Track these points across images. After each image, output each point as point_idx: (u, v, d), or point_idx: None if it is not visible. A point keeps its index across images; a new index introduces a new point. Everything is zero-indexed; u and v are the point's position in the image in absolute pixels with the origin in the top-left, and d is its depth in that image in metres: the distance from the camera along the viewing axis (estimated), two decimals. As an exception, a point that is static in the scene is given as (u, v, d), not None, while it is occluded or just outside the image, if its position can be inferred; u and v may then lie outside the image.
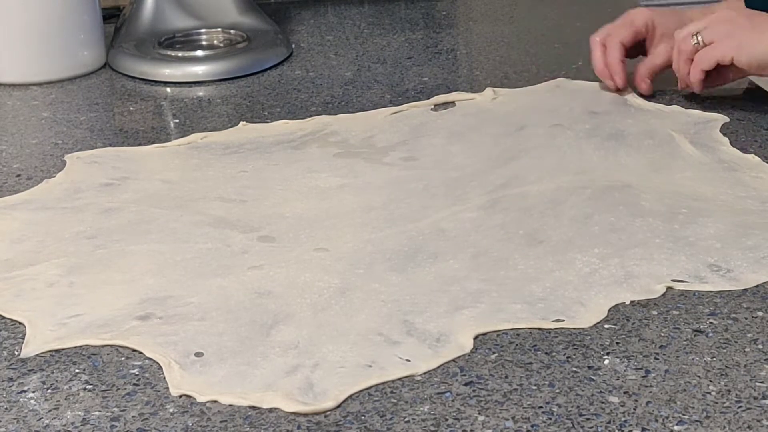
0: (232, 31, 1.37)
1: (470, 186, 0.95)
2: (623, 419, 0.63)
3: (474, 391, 0.66)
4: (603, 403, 0.65)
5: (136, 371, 0.70)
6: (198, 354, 0.71)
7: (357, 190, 0.95)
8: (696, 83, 1.08)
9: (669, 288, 0.77)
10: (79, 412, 0.66)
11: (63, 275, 0.82)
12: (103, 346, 0.73)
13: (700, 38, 1.05)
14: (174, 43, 1.35)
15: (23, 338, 0.74)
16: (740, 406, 0.64)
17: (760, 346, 0.70)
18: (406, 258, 0.82)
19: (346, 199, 0.93)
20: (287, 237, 0.87)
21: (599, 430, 0.62)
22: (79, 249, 0.86)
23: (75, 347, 0.73)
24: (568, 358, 0.69)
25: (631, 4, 1.53)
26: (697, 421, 0.63)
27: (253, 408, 0.66)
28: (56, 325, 0.75)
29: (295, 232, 0.88)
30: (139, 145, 1.08)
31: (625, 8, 1.51)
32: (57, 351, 0.73)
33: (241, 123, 1.12)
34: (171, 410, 0.66)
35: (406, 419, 0.64)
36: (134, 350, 0.72)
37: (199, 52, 1.32)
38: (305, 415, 0.65)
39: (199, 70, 1.27)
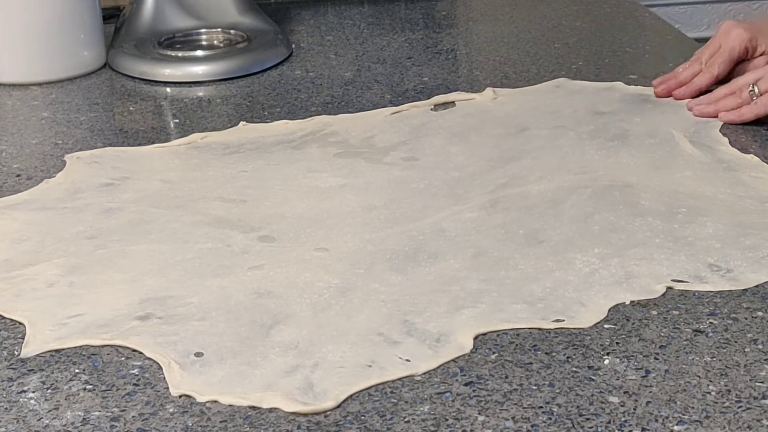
0: (232, 31, 1.37)
1: (471, 186, 0.95)
2: (623, 419, 0.63)
3: (474, 391, 0.66)
4: (603, 403, 0.65)
5: (136, 371, 0.70)
6: (198, 354, 0.71)
7: (357, 189, 0.95)
8: (743, 119, 1.06)
9: (669, 288, 0.77)
10: (79, 412, 0.66)
11: (63, 275, 0.82)
12: (103, 346, 0.73)
13: (756, 89, 1.05)
14: (174, 43, 1.35)
15: (23, 338, 0.74)
16: (740, 406, 0.64)
17: (760, 346, 0.70)
18: (406, 258, 0.82)
19: (346, 199, 0.93)
20: (287, 237, 0.87)
21: (599, 430, 0.62)
22: (79, 249, 0.86)
23: (75, 347, 0.73)
24: (568, 358, 0.69)
25: (630, 5, 1.53)
26: (697, 421, 0.63)
27: (253, 408, 0.66)
28: (56, 325, 0.75)
29: (296, 232, 0.87)
30: (139, 145, 1.08)
31: (625, 8, 1.52)
32: (57, 351, 0.73)
33: (241, 123, 1.12)
34: (171, 410, 0.66)
35: (406, 419, 0.64)
36: (134, 350, 0.72)
37: (199, 52, 1.32)
38: (305, 415, 0.65)
39: (199, 70, 1.27)
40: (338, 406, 0.65)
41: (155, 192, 0.96)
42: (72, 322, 0.76)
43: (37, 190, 0.98)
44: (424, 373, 0.68)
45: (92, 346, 0.73)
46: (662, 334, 0.71)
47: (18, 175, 1.01)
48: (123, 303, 0.78)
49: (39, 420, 0.65)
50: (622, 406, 0.64)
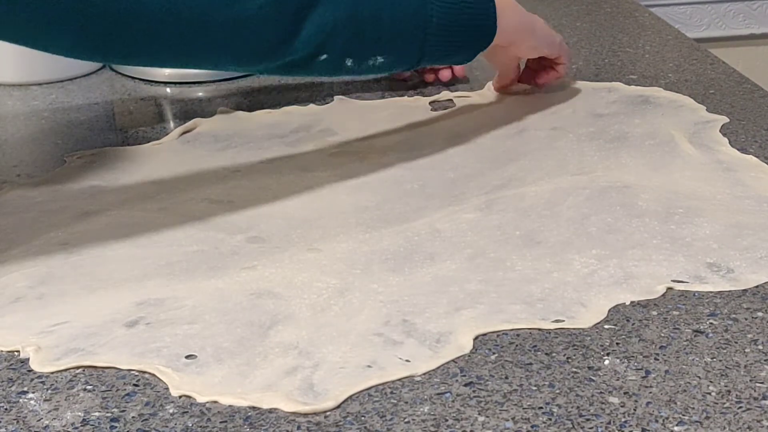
0: (231, 31, 1.36)
1: (467, 187, 0.95)
2: (623, 420, 0.63)
3: (474, 391, 0.66)
4: (603, 403, 0.65)
5: (135, 372, 0.70)
6: (196, 355, 0.71)
7: (350, 189, 0.95)
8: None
9: (669, 288, 0.77)
10: (79, 413, 0.66)
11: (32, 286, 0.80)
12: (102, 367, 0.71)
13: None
14: (174, 43, 1.34)
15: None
16: (740, 407, 0.64)
17: (760, 347, 0.70)
18: (402, 259, 0.82)
19: (338, 199, 0.93)
20: (277, 238, 0.86)
21: (599, 430, 0.62)
22: (54, 256, 0.83)
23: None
24: (568, 358, 0.69)
25: (630, 5, 1.53)
26: (697, 421, 0.63)
27: (253, 408, 0.65)
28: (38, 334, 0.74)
29: (285, 233, 0.86)
30: (139, 145, 1.07)
31: (625, 8, 1.52)
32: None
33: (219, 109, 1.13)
34: (171, 411, 0.66)
35: (406, 420, 0.64)
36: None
37: (199, 52, 1.32)
38: (305, 415, 0.65)
39: (199, 70, 1.27)
40: (338, 407, 0.65)
41: (142, 194, 0.95)
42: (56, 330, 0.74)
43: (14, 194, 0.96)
44: (424, 374, 0.68)
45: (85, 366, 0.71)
46: (662, 335, 0.71)
47: (18, 175, 1.01)
48: (107, 311, 0.75)
49: (39, 420, 0.65)
50: (622, 406, 0.64)
